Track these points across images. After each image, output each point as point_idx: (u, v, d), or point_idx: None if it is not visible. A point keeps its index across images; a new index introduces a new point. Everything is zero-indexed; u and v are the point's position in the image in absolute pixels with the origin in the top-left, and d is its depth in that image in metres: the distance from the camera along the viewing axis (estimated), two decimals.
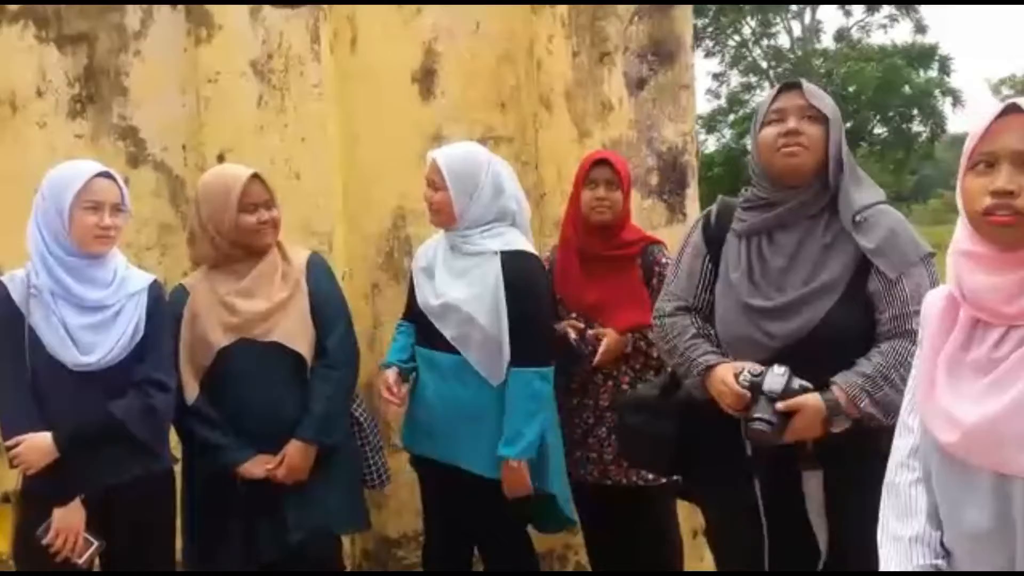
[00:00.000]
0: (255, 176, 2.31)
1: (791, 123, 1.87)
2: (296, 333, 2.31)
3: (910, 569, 1.32)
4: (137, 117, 3.30)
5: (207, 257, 2.33)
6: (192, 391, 2.24)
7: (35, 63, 3.32)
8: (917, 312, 1.68)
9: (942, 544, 1.32)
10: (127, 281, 2.17)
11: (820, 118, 1.88)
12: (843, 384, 1.78)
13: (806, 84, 1.92)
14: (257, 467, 2.26)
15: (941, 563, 1.31)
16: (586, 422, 2.61)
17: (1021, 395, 1.17)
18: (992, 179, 1.21)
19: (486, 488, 2.36)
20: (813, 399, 1.78)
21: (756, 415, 1.78)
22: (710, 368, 1.91)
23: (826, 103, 1.90)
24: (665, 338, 2.06)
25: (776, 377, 1.78)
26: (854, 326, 1.83)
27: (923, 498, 1.35)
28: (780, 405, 1.77)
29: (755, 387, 1.79)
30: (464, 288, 2.38)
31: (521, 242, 2.44)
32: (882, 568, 1.36)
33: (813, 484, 1.86)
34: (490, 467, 2.36)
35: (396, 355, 2.55)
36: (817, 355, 1.81)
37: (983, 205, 1.22)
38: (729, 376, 1.84)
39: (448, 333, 2.40)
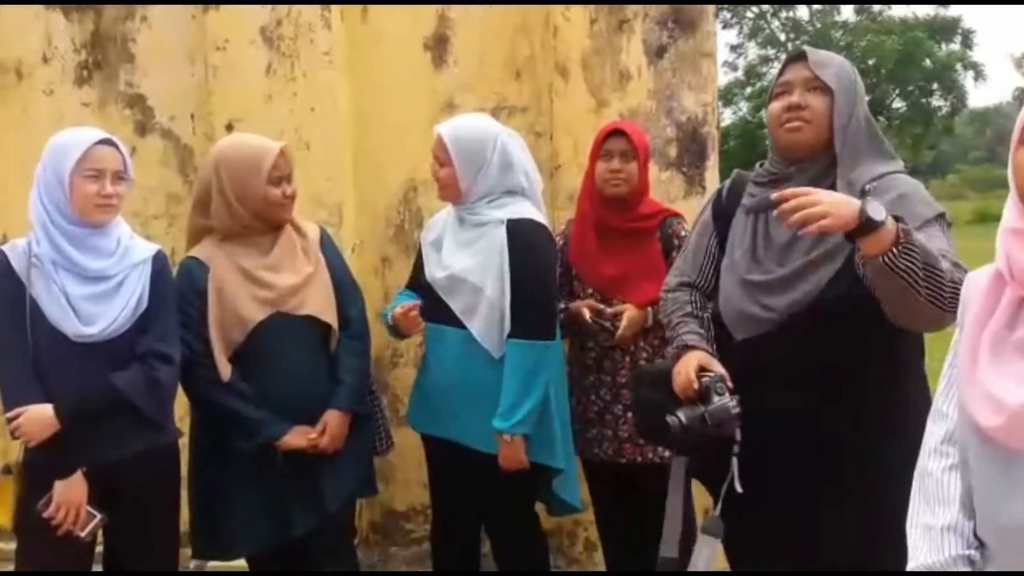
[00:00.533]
0: (282, 150, 2.29)
1: (795, 96, 1.83)
2: (326, 306, 2.33)
3: (941, 558, 1.26)
4: (145, 85, 3.26)
5: (226, 228, 2.28)
6: (225, 366, 2.22)
7: (41, 29, 3.27)
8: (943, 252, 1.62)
9: (975, 534, 1.27)
10: (131, 251, 2.12)
11: (826, 89, 1.82)
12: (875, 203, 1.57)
13: (812, 53, 1.86)
14: (299, 438, 2.25)
15: (974, 553, 1.26)
16: (603, 399, 2.58)
17: None
18: None
19: (491, 464, 2.33)
20: (849, 202, 1.57)
21: (680, 414, 1.82)
22: (687, 348, 1.92)
23: (832, 74, 1.83)
24: (665, 312, 2.07)
25: (724, 409, 1.80)
26: (855, 297, 1.75)
27: (957, 486, 1.29)
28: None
29: (705, 396, 1.82)
30: (469, 258, 2.35)
31: (530, 211, 2.39)
32: (911, 557, 1.31)
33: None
34: (491, 442, 2.33)
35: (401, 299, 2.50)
36: (818, 326, 1.77)
37: None
38: (693, 365, 1.86)
39: (456, 306, 2.36)
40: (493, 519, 2.53)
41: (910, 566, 1.31)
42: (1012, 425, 1.16)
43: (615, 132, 2.55)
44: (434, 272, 2.42)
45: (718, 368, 1.86)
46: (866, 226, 1.53)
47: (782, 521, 1.86)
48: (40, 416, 1.97)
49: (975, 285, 1.30)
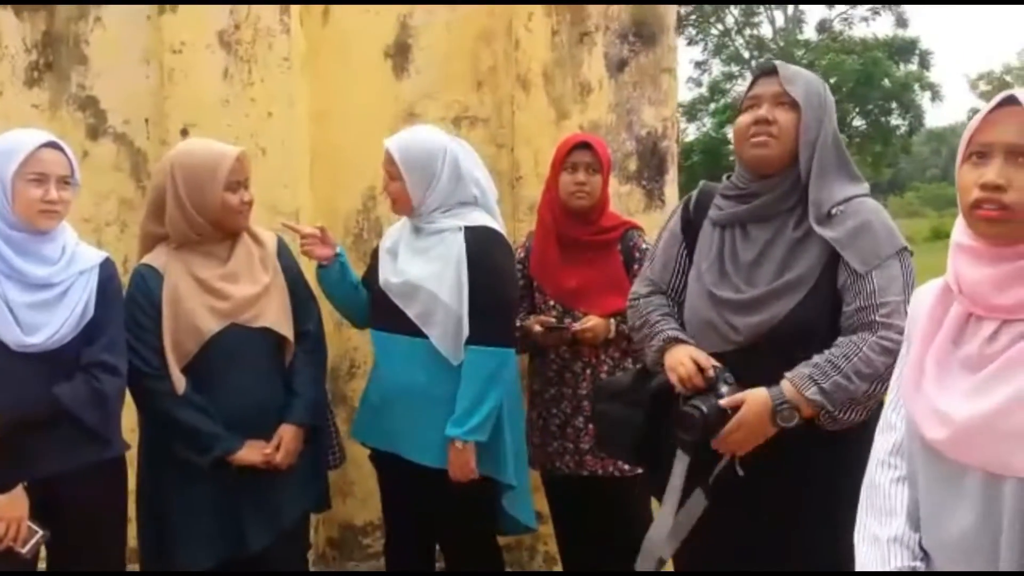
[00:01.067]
0: (239, 155, 2.24)
1: (763, 111, 1.82)
2: (282, 318, 2.28)
3: (887, 570, 1.27)
4: (98, 87, 3.18)
5: (179, 235, 2.22)
6: (179, 378, 2.16)
7: None
8: (883, 304, 1.68)
9: (920, 546, 1.28)
10: (77, 258, 2.05)
11: (794, 104, 1.81)
12: (790, 374, 1.73)
13: (783, 68, 1.85)
14: (253, 453, 2.20)
15: (920, 565, 1.27)
16: (564, 412, 2.57)
17: (1016, 392, 1.13)
18: (983, 172, 1.18)
19: (442, 479, 2.29)
20: (758, 391, 1.74)
21: (699, 403, 1.76)
22: (674, 341, 1.90)
23: (800, 89, 1.82)
24: (638, 314, 2.04)
25: (736, 387, 1.77)
26: (819, 322, 1.77)
27: (903, 498, 1.30)
28: (724, 401, 1.74)
29: (714, 385, 1.78)
30: (425, 265, 2.32)
31: (485, 219, 2.37)
32: (858, 566, 1.32)
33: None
34: (438, 456, 2.28)
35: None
36: (780, 350, 1.77)
37: (973, 198, 1.18)
38: (689, 359, 1.83)
39: (411, 312, 2.32)
40: (445, 535, 2.49)
41: None
42: (957, 439, 1.17)
43: (581, 145, 2.54)
44: (389, 278, 2.38)
45: (713, 360, 1.83)
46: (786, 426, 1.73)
47: (740, 542, 1.84)
48: None
49: (921, 301, 1.32)
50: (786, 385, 1.73)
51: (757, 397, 1.74)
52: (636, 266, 2.51)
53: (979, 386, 1.17)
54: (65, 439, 1.99)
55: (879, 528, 1.31)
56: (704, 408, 1.75)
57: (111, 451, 2.11)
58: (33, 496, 1.97)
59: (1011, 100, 1.17)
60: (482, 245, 2.31)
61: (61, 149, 2.02)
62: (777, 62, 1.89)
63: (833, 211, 1.78)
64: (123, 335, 2.11)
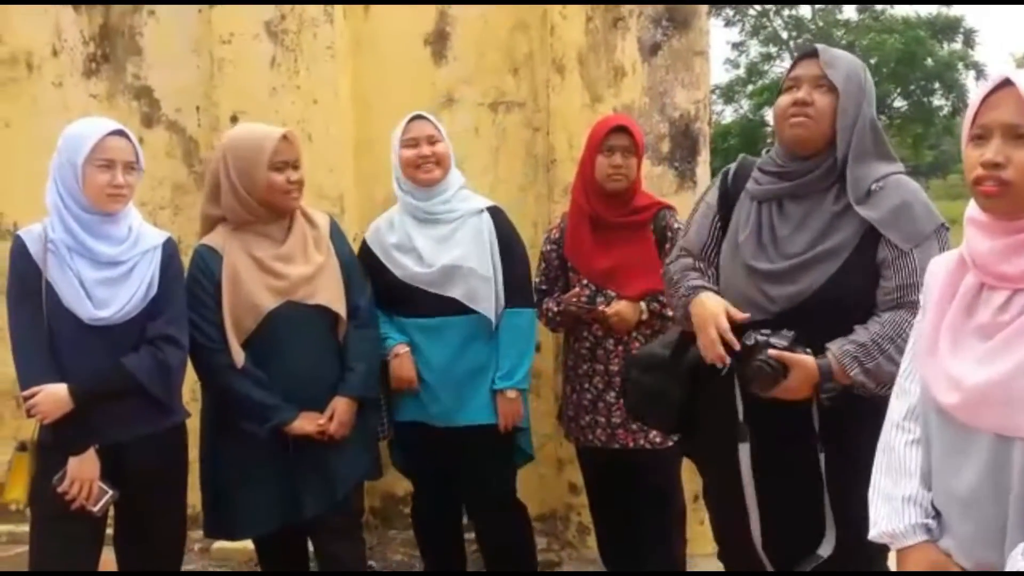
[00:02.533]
0: (285, 136, 2.32)
1: (802, 92, 1.85)
2: (336, 295, 2.38)
3: (901, 527, 1.34)
4: (151, 77, 3.33)
5: (235, 216, 2.32)
6: (238, 352, 2.27)
7: (51, 22, 3.34)
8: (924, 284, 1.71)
9: (932, 505, 1.35)
10: (142, 238, 2.18)
11: (832, 88, 1.84)
12: (836, 351, 1.79)
13: (824, 51, 1.88)
14: (308, 424, 2.30)
15: (931, 522, 1.34)
16: (596, 387, 2.64)
17: None
18: (984, 151, 1.25)
19: (480, 436, 2.52)
20: (808, 359, 1.79)
21: (759, 357, 1.79)
22: (696, 291, 1.95)
23: (840, 73, 1.85)
24: (671, 281, 2.09)
25: (784, 337, 1.80)
26: (855, 294, 1.83)
27: (917, 459, 1.37)
28: (774, 352, 1.78)
29: (757, 345, 1.81)
30: (457, 248, 2.51)
31: (486, 199, 2.66)
32: (872, 525, 1.39)
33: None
34: (493, 413, 2.55)
35: (396, 336, 2.58)
36: (816, 320, 1.82)
37: (975, 175, 1.25)
38: (722, 316, 1.85)
39: (455, 293, 2.50)
40: (481, 493, 2.65)
41: (871, 534, 1.39)
42: (968, 403, 1.24)
43: (617, 128, 2.58)
44: (413, 269, 2.52)
45: (739, 315, 1.86)
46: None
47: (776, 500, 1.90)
48: (56, 395, 2.04)
49: (935, 271, 1.38)
50: (833, 361, 1.78)
51: (805, 367, 1.78)
52: (668, 245, 2.55)
53: (990, 353, 1.23)
54: (132, 407, 2.13)
55: (893, 487, 1.38)
56: (771, 361, 1.78)
57: (173, 419, 2.24)
58: (103, 459, 2.11)
59: (1008, 82, 1.24)
60: (506, 222, 2.61)
61: (127, 136, 2.14)
62: (819, 45, 1.92)
63: (873, 187, 1.82)
64: (185, 310, 2.23)
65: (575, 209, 2.70)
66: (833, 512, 1.84)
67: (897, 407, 1.43)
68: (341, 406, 2.35)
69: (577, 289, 2.64)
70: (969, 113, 1.28)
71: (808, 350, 1.80)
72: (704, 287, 1.97)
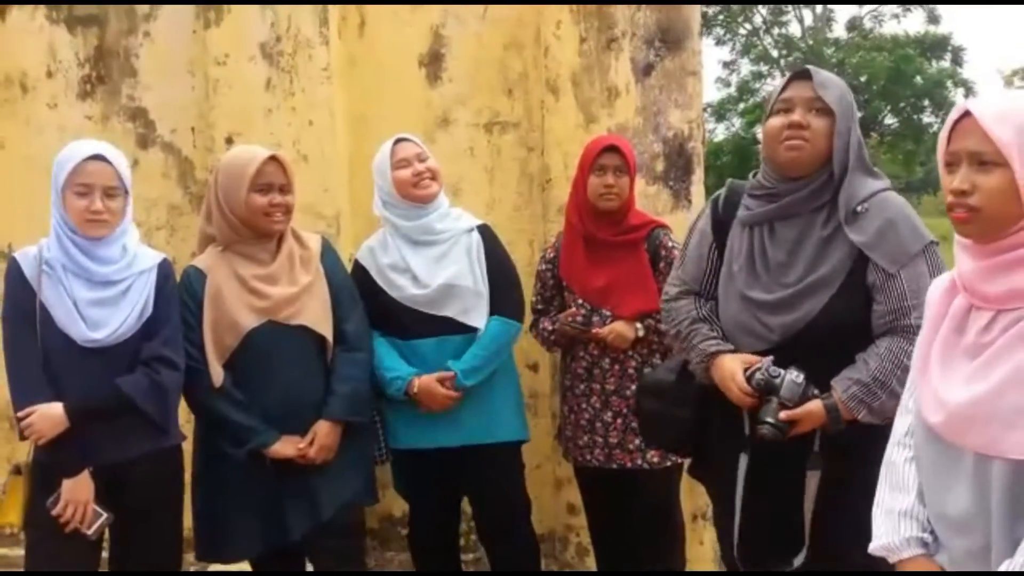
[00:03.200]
0: (274, 158, 2.32)
1: (796, 115, 1.85)
2: (320, 317, 2.35)
3: (897, 540, 1.38)
4: (147, 98, 3.34)
5: (222, 235, 2.32)
6: (218, 372, 2.25)
7: (45, 44, 3.35)
8: (916, 306, 1.71)
9: (928, 519, 1.38)
10: (137, 258, 2.17)
11: (827, 110, 1.85)
12: (841, 394, 1.81)
13: (817, 73, 1.89)
14: (288, 447, 2.28)
15: (927, 536, 1.37)
16: (593, 407, 2.64)
17: (1006, 376, 1.22)
18: (952, 179, 1.29)
19: (495, 454, 2.55)
20: (816, 406, 1.81)
21: (767, 419, 1.82)
22: (714, 356, 1.94)
23: (834, 95, 1.86)
24: (671, 322, 2.09)
25: (794, 385, 1.81)
26: (852, 318, 1.84)
27: (915, 475, 1.41)
28: (784, 415, 1.80)
29: (769, 388, 1.83)
30: (453, 266, 2.54)
31: (473, 216, 2.71)
32: (874, 538, 1.42)
33: (812, 483, 1.86)
34: (519, 429, 2.63)
35: (406, 368, 2.56)
36: (815, 347, 1.83)
37: (947, 202, 1.30)
38: (739, 373, 1.87)
39: (451, 311, 2.52)
40: (492, 505, 2.66)
41: (872, 547, 1.41)
42: (952, 422, 1.28)
43: (609, 148, 2.60)
44: (410, 291, 2.53)
45: (752, 359, 1.88)
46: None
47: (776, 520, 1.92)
48: (50, 414, 2.03)
49: (932, 291, 1.41)
50: (839, 404, 1.80)
51: (813, 415, 1.81)
52: (662, 264, 2.57)
53: (974, 373, 1.26)
54: (126, 429, 2.12)
55: (893, 502, 1.41)
56: (774, 422, 1.81)
57: (168, 441, 2.23)
58: (98, 482, 2.09)
59: (969, 113, 1.28)
60: (493, 238, 2.66)
61: (107, 160, 2.09)
62: (810, 67, 1.93)
63: (858, 208, 1.83)
64: (180, 331, 2.22)
65: (569, 228, 2.71)
66: (816, 527, 1.85)
67: (900, 425, 1.46)
68: (322, 430, 2.32)
69: (573, 309, 2.65)
70: (940, 144, 1.33)
71: (816, 391, 1.82)
72: (718, 351, 1.95)
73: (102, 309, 2.09)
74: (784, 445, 1.83)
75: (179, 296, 2.29)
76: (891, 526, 1.39)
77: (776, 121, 1.89)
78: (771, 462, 1.88)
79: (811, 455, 1.86)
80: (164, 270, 2.22)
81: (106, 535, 2.18)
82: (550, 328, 2.69)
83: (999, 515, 1.22)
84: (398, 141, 2.60)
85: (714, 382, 1.94)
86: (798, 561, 1.87)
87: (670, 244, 2.62)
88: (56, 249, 2.08)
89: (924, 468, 1.37)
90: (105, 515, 2.10)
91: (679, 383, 2.11)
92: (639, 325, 2.57)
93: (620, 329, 2.56)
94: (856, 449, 1.79)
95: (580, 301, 2.66)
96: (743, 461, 1.91)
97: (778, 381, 1.81)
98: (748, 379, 1.85)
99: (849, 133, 1.87)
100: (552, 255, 2.77)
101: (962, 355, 1.30)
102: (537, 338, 2.77)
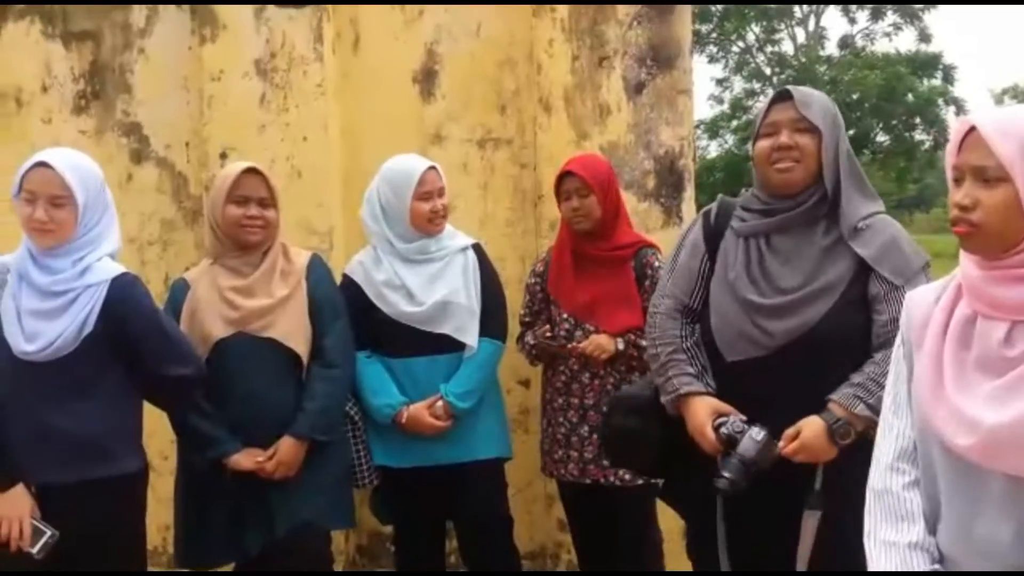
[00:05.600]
0: (253, 171, 2.32)
1: (783, 137, 1.88)
2: (293, 331, 2.33)
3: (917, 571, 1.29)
4: (141, 114, 3.35)
5: (212, 248, 2.37)
6: None
7: (40, 59, 3.36)
8: None
9: (938, 549, 1.31)
10: (92, 271, 2.03)
11: (812, 128, 1.88)
12: (836, 398, 1.81)
13: (798, 93, 1.90)
14: (246, 460, 2.26)
15: (939, 567, 1.30)
16: (570, 421, 2.65)
17: None
18: (956, 193, 1.28)
19: (480, 471, 2.54)
20: (811, 419, 1.81)
21: (725, 473, 1.82)
22: (686, 398, 1.95)
23: (817, 113, 1.88)
24: (653, 339, 2.07)
25: (752, 442, 1.81)
26: (852, 327, 1.85)
27: (919, 501, 1.33)
28: (785, 440, 1.81)
29: (732, 443, 1.83)
30: (448, 284, 2.55)
31: (467, 236, 2.72)
32: (874, 569, 1.34)
33: (810, 523, 1.83)
34: (500, 446, 2.63)
35: (396, 397, 2.55)
36: (815, 354, 1.83)
37: (951, 216, 1.29)
38: (707, 426, 1.88)
39: (446, 329, 2.52)
40: (474, 523, 2.63)
41: None
42: (986, 445, 1.20)
43: (566, 174, 2.64)
44: (404, 308, 2.52)
45: (723, 407, 1.90)
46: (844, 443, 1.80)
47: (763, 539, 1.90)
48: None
49: (917, 302, 1.38)
50: (835, 407, 1.81)
51: (812, 422, 1.81)
52: (648, 283, 2.58)
53: (1004, 392, 1.20)
54: (62, 451, 1.99)
55: (895, 534, 1.32)
56: (731, 477, 1.81)
57: (117, 468, 2.06)
58: (43, 506, 1.98)
59: (975, 128, 1.27)
60: (486, 258, 2.69)
61: (54, 168, 1.98)
62: (790, 87, 1.95)
63: (860, 225, 1.86)
64: (185, 342, 2.22)
65: (559, 243, 2.74)
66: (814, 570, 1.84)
67: (886, 448, 1.38)
68: (283, 446, 2.28)
69: (546, 326, 2.68)
70: (949, 154, 1.31)
71: (779, 449, 1.82)
72: (692, 392, 1.95)
73: (39, 321, 1.97)
74: (780, 480, 1.82)
75: (165, 309, 2.30)
76: (898, 560, 1.30)
77: (764, 144, 1.91)
78: (759, 501, 1.84)
79: (812, 494, 1.84)
80: (121, 285, 2.06)
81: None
82: (532, 342, 2.70)
83: None
84: (430, 169, 2.57)
85: (683, 416, 1.96)
86: None
87: (656, 264, 2.62)
88: (18, 257, 2.06)
89: (943, 492, 1.29)
90: (49, 532, 1.95)
91: (652, 401, 2.08)
92: (619, 339, 2.57)
93: (600, 340, 2.56)
94: (863, 488, 1.78)
95: (565, 315, 2.67)
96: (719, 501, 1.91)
97: (739, 436, 1.82)
98: (716, 428, 1.87)
99: (837, 147, 1.89)
100: (541, 268, 2.78)
101: (975, 370, 1.24)
102: (522, 351, 2.78)
